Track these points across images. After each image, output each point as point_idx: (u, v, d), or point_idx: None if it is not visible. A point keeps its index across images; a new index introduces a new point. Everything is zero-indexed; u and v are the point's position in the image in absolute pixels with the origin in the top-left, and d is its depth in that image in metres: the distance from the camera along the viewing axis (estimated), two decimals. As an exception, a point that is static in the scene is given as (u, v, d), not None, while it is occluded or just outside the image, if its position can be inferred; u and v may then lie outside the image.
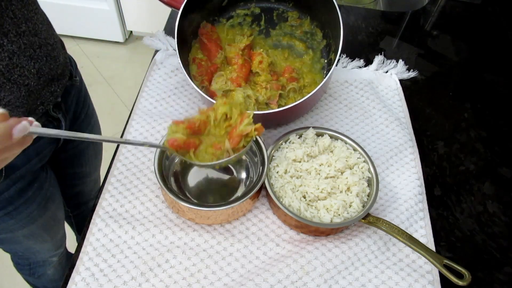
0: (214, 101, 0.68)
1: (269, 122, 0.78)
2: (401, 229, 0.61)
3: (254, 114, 0.69)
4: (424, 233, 0.67)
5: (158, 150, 0.65)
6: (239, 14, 0.82)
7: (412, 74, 0.91)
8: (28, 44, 0.60)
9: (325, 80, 0.66)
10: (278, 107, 0.75)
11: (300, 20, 0.82)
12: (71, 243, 1.11)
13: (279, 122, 0.79)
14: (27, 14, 0.60)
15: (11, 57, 0.57)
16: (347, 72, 0.89)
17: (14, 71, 0.58)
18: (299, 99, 0.67)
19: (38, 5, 0.66)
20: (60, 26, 0.76)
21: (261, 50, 0.78)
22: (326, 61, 0.79)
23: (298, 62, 0.80)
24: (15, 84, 0.59)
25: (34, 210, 0.77)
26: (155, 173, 0.62)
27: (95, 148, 0.99)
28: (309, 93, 0.67)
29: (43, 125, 0.70)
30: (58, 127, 0.74)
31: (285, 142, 0.71)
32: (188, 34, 0.77)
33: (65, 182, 0.95)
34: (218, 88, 0.75)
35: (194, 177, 0.70)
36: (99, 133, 1.01)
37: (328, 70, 0.72)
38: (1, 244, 0.88)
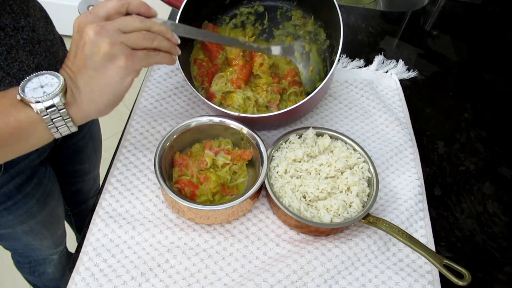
0: (211, 104, 0.69)
1: (269, 124, 0.78)
2: (401, 229, 0.61)
3: (254, 117, 0.70)
4: (424, 233, 0.67)
5: (159, 150, 0.65)
6: (242, 12, 0.82)
7: (412, 74, 0.91)
8: (28, 39, 0.61)
9: (325, 81, 0.66)
10: (278, 110, 0.75)
11: (304, 19, 0.81)
12: (71, 243, 1.11)
13: (280, 124, 0.78)
14: (26, 10, 0.61)
15: (9, 51, 0.58)
16: (347, 72, 0.89)
17: (13, 65, 0.59)
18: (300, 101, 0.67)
19: (37, 1, 0.67)
20: (60, 26, 0.76)
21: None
22: (328, 61, 0.79)
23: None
24: (14, 78, 0.59)
25: (33, 206, 0.77)
26: (155, 173, 0.62)
27: (95, 145, 0.99)
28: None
29: None
30: None
31: (285, 142, 0.71)
32: None
33: (64, 179, 0.95)
34: (217, 89, 0.75)
35: None
36: (99, 131, 1.01)
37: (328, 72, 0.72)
38: (1, 240, 0.88)
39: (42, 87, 0.46)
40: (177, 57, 0.69)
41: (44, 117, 0.46)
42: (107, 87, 0.48)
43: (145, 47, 0.49)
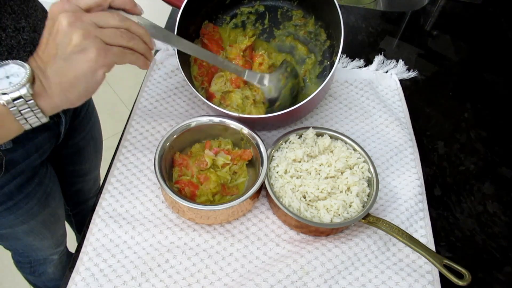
0: (211, 104, 0.69)
1: (269, 124, 0.78)
2: (401, 229, 0.61)
3: (254, 118, 0.70)
4: (424, 233, 0.67)
5: (159, 149, 0.65)
6: (243, 12, 0.82)
7: (412, 74, 0.91)
8: (29, 40, 0.61)
9: (326, 81, 0.66)
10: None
11: (305, 19, 0.81)
12: (71, 243, 1.11)
13: (280, 124, 0.78)
14: (27, 11, 0.61)
15: (10, 52, 0.58)
16: (347, 72, 0.89)
17: None
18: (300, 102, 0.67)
19: (38, 2, 0.67)
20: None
21: (263, 51, 0.77)
22: (328, 62, 0.79)
23: (302, 69, 0.80)
24: None
25: (34, 206, 0.77)
26: (155, 173, 0.62)
27: (95, 145, 1.00)
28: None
29: None
30: (58, 123, 0.75)
31: (285, 142, 0.71)
32: (190, 33, 0.77)
33: (65, 179, 0.95)
34: (217, 89, 0.75)
35: None
36: (99, 131, 1.01)
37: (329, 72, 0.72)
38: (1, 240, 0.88)
39: (7, 77, 0.44)
40: (177, 56, 0.69)
41: (11, 109, 0.44)
42: (77, 79, 0.45)
43: (120, 44, 0.47)
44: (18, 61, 0.45)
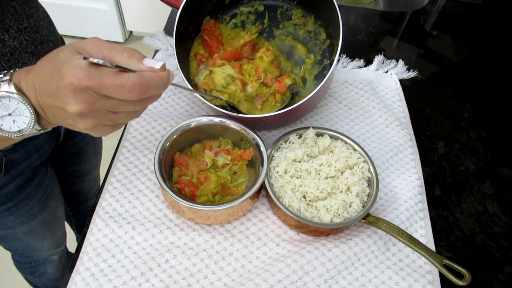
0: (211, 104, 0.68)
1: (269, 124, 0.78)
2: (401, 229, 0.61)
3: (254, 117, 0.70)
4: (424, 233, 0.67)
5: (159, 149, 0.65)
6: (242, 11, 0.82)
7: (412, 74, 0.91)
8: (30, 40, 0.61)
9: (325, 79, 0.66)
10: (262, 108, 0.75)
11: (304, 18, 0.81)
12: (71, 243, 1.11)
13: (280, 124, 0.78)
14: (28, 11, 0.61)
15: (12, 53, 0.58)
16: (347, 72, 0.89)
17: (16, 67, 0.59)
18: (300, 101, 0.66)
19: (39, 3, 0.67)
20: (60, 26, 0.76)
21: (270, 46, 0.77)
22: (328, 61, 0.79)
23: (302, 69, 0.80)
24: None
25: (34, 207, 0.78)
26: (155, 173, 0.62)
27: (95, 146, 1.00)
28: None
29: None
30: None
31: (285, 142, 0.71)
32: (189, 33, 0.77)
33: (64, 179, 0.95)
34: (198, 78, 0.73)
35: None
36: None
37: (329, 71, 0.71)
38: (1, 241, 0.88)
39: (10, 114, 0.41)
40: (176, 56, 0.70)
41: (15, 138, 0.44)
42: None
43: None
44: (18, 96, 0.40)
